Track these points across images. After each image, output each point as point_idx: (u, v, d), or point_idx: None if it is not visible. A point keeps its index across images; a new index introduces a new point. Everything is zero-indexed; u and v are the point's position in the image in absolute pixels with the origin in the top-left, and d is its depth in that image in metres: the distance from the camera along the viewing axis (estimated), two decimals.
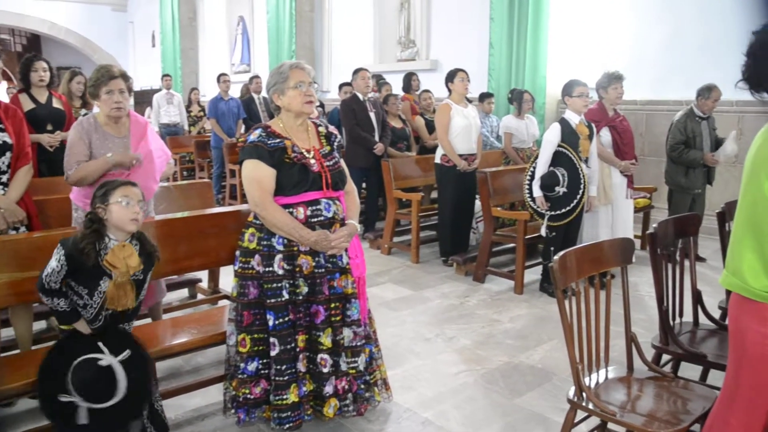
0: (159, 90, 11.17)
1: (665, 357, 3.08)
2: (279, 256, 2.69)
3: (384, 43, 10.83)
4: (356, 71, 6.50)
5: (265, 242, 2.72)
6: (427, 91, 7.53)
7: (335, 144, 2.92)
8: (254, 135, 2.74)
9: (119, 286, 2.41)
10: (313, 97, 2.84)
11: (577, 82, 4.79)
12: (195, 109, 11.30)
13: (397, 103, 7.02)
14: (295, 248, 2.70)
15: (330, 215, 2.76)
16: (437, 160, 5.69)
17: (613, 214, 5.21)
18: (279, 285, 2.68)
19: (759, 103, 2.27)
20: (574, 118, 4.76)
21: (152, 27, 16.92)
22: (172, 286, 4.72)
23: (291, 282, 2.70)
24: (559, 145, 4.68)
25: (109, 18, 17.99)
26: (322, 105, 8.79)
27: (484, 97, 7.44)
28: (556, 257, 2.25)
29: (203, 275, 4.86)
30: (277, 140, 2.73)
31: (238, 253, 2.82)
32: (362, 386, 2.87)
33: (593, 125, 4.91)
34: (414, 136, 7.29)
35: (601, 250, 2.45)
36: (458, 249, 5.77)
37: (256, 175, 2.69)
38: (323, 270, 2.73)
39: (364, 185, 6.80)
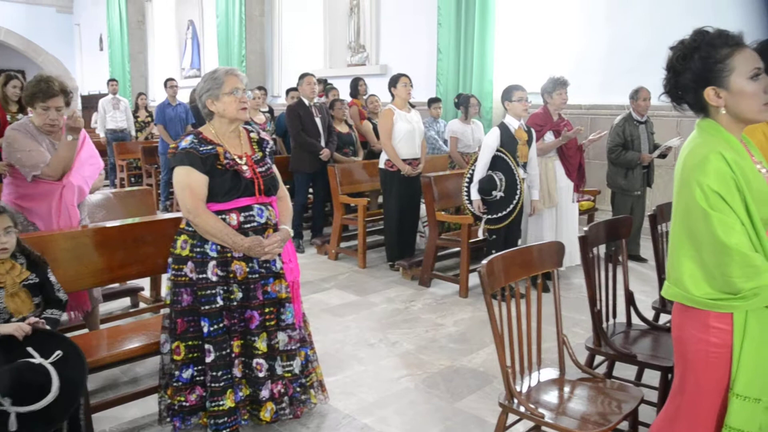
0: (106, 95, 10.94)
1: (602, 358, 3.13)
2: (212, 263, 2.67)
3: (334, 48, 10.84)
4: (302, 76, 6.48)
5: (198, 249, 2.69)
6: (373, 95, 7.55)
7: (267, 150, 2.91)
8: (186, 141, 2.71)
9: (12, 295, 2.49)
10: (246, 103, 2.83)
11: (516, 87, 4.86)
12: (142, 114, 11.11)
13: (344, 108, 7.02)
14: (229, 254, 2.68)
15: (263, 221, 2.75)
16: (381, 165, 5.71)
17: (557, 217, 5.28)
18: (213, 291, 2.66)
19: None
20: (513, 123, 4.82)
21: (99, 30, 16.57)
22: (113, 295, 4.63)
23: (225, 288, 2.69)
24: (497, 150, 4.74)
25: (54, 20, 17.53)
26: (271, 111, 8.73)
27: (432, 102, 7.49)
28: (483, 261, 2.27)
29: (145, 283, 4.77)
30: (209, 147, 2.70)
31: (170, 260, 2.79)
32: (298, 389, 2.88)
33: (533, 130, 4.98)
34: (362, 141, 7.29)
35: (530, 254, 2.48)
36: (405, 253, 5.79)
37: (188, 182, 2.66)
38: (257, 275, 2.72)
39: (311, 191, 6.77)
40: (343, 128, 7.00)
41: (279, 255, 2.82)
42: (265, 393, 2.72)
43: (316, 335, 4.30)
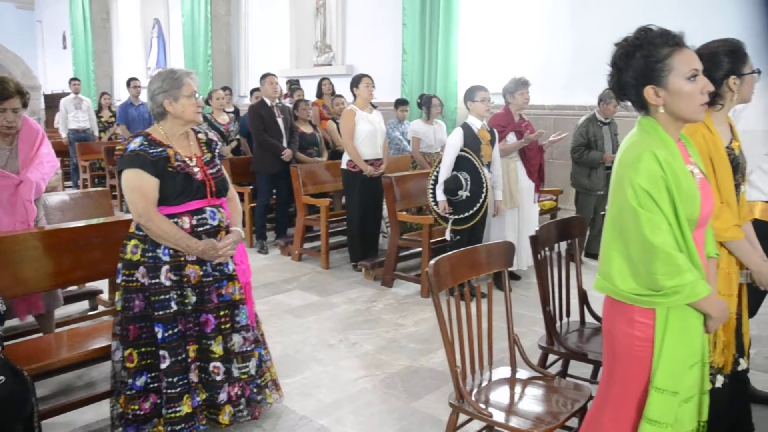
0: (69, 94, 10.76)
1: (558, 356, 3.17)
2: (165, 267, 2.64)
3: (300, 48, 10.80)
4: (264, 76, 6.45)
5: (150, 254, 2.66)
6: (339, 96, 7.54)
7: (216, 151, 2.89)
8: (134, 143, 2.67)
9: None
10: (201, 107, 2.81)
11: (479, 88, 4.90)
12: (106, 114, 10.96)
13: (308, 108, 7.00)
14: (182, 258, 2.66)
15: (215, 223, 2.73)
16: (344, 165, 5.71)
17: (519, 217, 5.33)
18: (167, 296, 2.63)
19: None
20: (476, 123, 4.86)
21: (63, 27, 16.27)
22: (72, 298, 4.56)
23: (179, 293, 2.67)
24: (461, 150, 4.77)
25: (14, 16, 17.13)
26: (236, 111, 8.67)
27: (399, 104, 7.51)
28: (431, 262, 2.29)
29: (104, 286, 4.71)
30: (160, 149, 2.67)
31: (120, 265, 2.74)
32: (254, 390, 2.88)
33: (495, 130, 5.01)
34: (326, 141, 7.28)
35: (478, 255, 2.51)
36: (367, 254, 5.80)
37: (139, 185, 2.63)
38: (211, 278, 2.71)
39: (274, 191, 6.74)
40: (307, 129, 6.98)
41: (231, 257, 2.81)
42: (223, 396, 2.71)
43: (277, 336, 4.32)
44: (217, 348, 2.70)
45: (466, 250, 2.51)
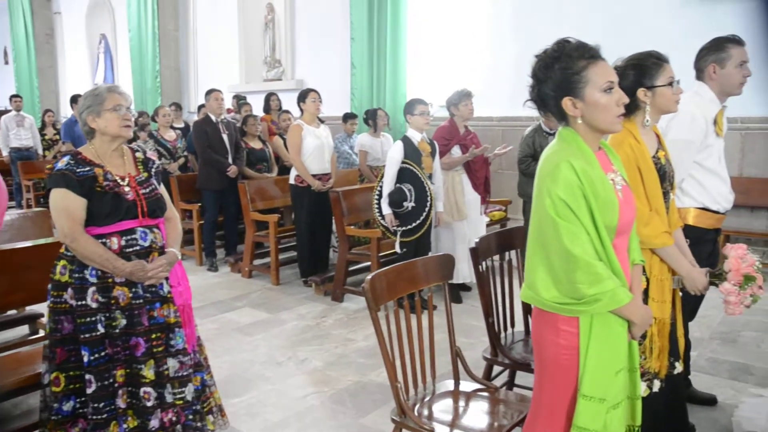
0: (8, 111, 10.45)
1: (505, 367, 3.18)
2: (92, 289, 2.56)
3: (250, 63, 10.74)
4: (208, 92, 6.38)
5: (77, 275, 2.57)
6: (286, 111, 7.51)
7: (153, 170, 2.82)
8: (62, 162, 2.60)
9: None
10: (130, 121, 2.73)
11: (418, 101, 4.94)
12: (50, 132, 10.67)
13: (257, 124, 6.94)
14: (110, 280, 2.58)
15: (147, 244, 2.66)
16: (291, 180, 5.68)
17: (467, 230, 5.35)
18: (93, 319, 2.54)
19: None
20: (416, 136, 4.88)
21: (3, 42, 15.84)
22: (10, 323, 4.40)
23: (107, 315, 2.57)
24: (403, 162, 4.78)
25: None
26: (187, 127, 8.56)
27: (347, 117, 7.51)
28: (367, 278, 2.28)
29: (45, 309, 4.54)
30: (87, 168, 2.60)
31: (49, 286, 2.65)
32: (191, 417, 2.76)
33: (436, 143, 5.04)
34: (275, 157, 7.23)
35: (415, 269, 2.50)
36: (318, 269, 5.76)
37: (65, 205, 2.55)
38: (141, 300, 2.62)
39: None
40: (256, 144, 6.92)
41: (166, 279, 2.73)
42: (154, 423, 2.61)
43: (225, 356, 4.25)
44: (148, 372, 2.60)
45: (403, 264, 2.50)
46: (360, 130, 7.73)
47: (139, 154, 2.83)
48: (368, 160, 6.75)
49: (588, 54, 1.81)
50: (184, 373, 2.75)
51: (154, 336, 2.64)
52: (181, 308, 2.79)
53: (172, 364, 2.70)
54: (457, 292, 5.29)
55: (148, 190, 2.72)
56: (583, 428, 1.82)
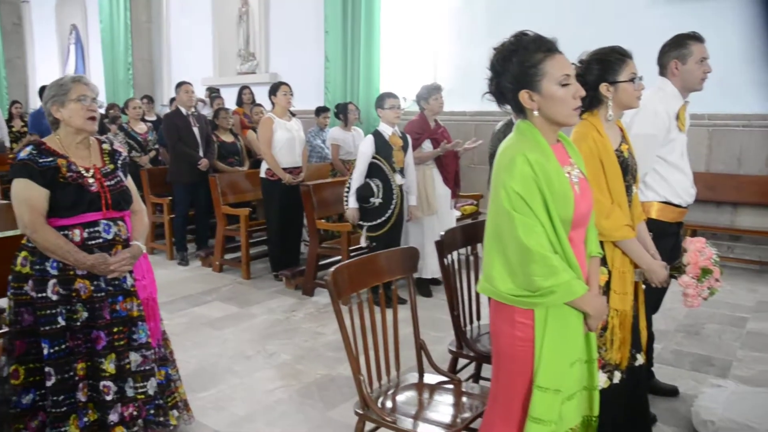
0: None
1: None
2: (53, 281, 2.52)
3: (224, 56, 10.66)
4: (179, 85, 6.33)
5: (37, 266, 2.54)
6: (258, 105, 7.46)
7: (119, 162, 2.79)
8: (25, 152, 2.56)
9: None
10: (95, 113, 2.70)
11: (388, 95, 4.94)
12: (17, 124, 10.49)
13: (228, 117, 6.89)
14: (71, 272, 2.54)
15: (110, 237, 2.62)
16: (262, 174, 5.65)
17: (437, 224, 5.36)
18: (54, 311, 2.51)
19: None
20: (387, 130, 4.88)
21: None
22: None
23: (68, 308, 2.54)
24: (373, 157, 4.78)
25: None
26: (160, 120, 8.46)
27: (320, 111, 7.49)
28: (330, 271, 2.28)
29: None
30: (50, 159, 2.56)
31: (10, 278, 2.62)
32: (152, 411, 2.74)
33: (408, 136, 5.05)
34: (247, 150, 7.18)
35: (378, 262, 2.51)
36: (289, 263, 5.75)
37: (26, 196, 2.51)
38: (104, 293, 2.59)
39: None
40: (228, 137, 6.87)
41: (130, 272, 2.71)
42: (113, 417, 2.58)
43: (194, 350, 4.22)
44: (109, 366, 2.57)
45: (366, 257, 2.50)
46: (333, 124, 7.71)
47: (105, 146, 2.80)
48: (340, 154, 6.75)
49: (545, 47, 1.83)
50: (147, 368, 2.73)
51: (116, 330, 2.61)
52: (145, 302, 2.77)
53: (134, 358, 2.67)
54: (427, 286, 5.31)
55: (113, 182, 2.69)
56: (539, 419, 1.84)
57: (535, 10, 7.10)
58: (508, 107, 1.95)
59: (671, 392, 3.50)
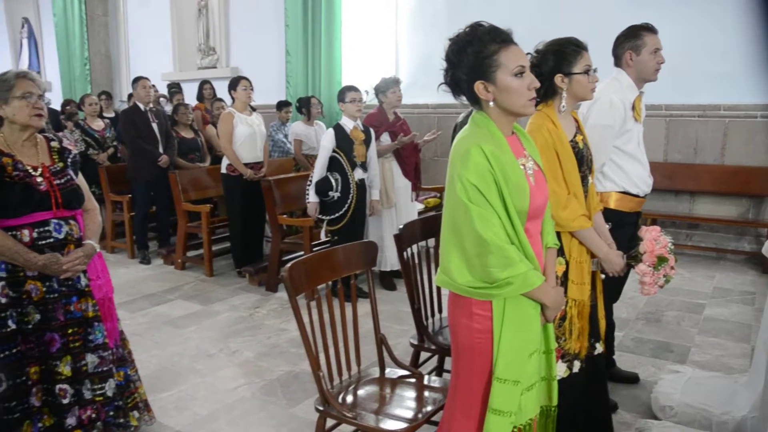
0: None
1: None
2: (1, 284, 2.44)
3: (184, 50, 10.48)
4: (136, 80, 6.20)
5: None
6: (219, 99, 7.36)
7: (69, 160, 2.71)
8: None
9: None
10: (42, 110, 2.61)
11: (349, 88, 4.91)
12: None
13: (188, 113, 6.78)
14: (21, 274, 2.46)
15: (61, 237, 2.55)
16: (223, 170, 5.57)
17: (397, 217, 5.36)
18: (4, 314, 2.43)
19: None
20: (348, 124, 4.85)
21: None
22: None
23: (18, 310, 2.46)
24: (333, 151, 4.76)
25: None
26: (118, 117, 8.29)
27: (281, 105, 7.42)
28: (286, 266, 2.25)
29: None
30: None
31: None
32: (112, 413, 2.69)
33: (371, 130, 5.03)
34: (208, 146, 7.08)
35: (335, 257, 2.48)
36: (252, 259, 5.69)
37: None
38: (57, 295, 2.52)
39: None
40: (188, 133, 6.77)
41: (84, 272, 2.64)
42: (71, 420, 2.52)
43: (155, 349, 4.15)
44: (64, 369, 2.51)
45: (323, 252, 2.48)
46: (295, 119, 7.65)
47: (54, 144, 2.71)
48: (303, 149, 6.70)
49: (500, 38, 1.82)
50: (104, 369, 2.67)
51: (70, 331, 2.55)
52: (101, 302, 2.70)
53: (90, 359, 2.61)
54: (390, 280, 5.31)
55: (63, 180, 2.61)
56: (498, 410, 1.84)
57: (495, 1, 7.13)
58: (464, 98, 1.93)
59: (632, 379, 3.56)
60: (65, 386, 2.52)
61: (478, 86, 1.83)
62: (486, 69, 1.81)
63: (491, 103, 1.85)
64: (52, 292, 2.51)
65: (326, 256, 2.46)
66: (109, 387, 2.68)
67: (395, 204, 5.28)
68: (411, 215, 5.37)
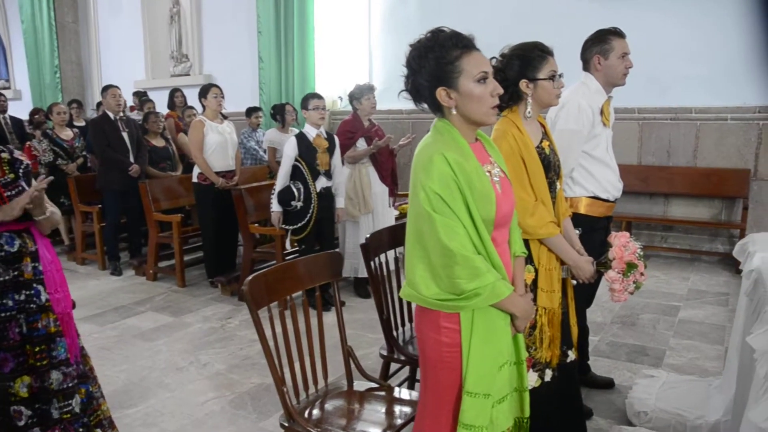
0: None
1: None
2: None
3: (156, 58, 10.36)
4: (105, 89, 6.09)
5: None
6: (190, 107, 7.26)
7: (21, 171, 2.62)
8: None
9: None
10: None
11: (312, 96, 4.86)
12: None
13: (158, 121, 6.67)
14: None
15: (14, 250, 2.46)
16: (194, 179, 5.49)
17: (374, 223, 5.31)
18: None
19: None
20: (311, 132, 4.79)
21: None
22: None
23: None
24: (295, 159, 4.71)
25: None
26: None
27: (251, 111, 7.34)
28: (247, 279, 2.19)
29: None
30: None
31: None
32: (81, 430, 2.60)
33: (335, 137, 4.98)
34: (180, 154, 6.98)
35: (296, 269, 2.42)
36: (225, 269, 5.61)
37: None
38: (10, 313, 2.42)
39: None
40: (159, 142, 6.67)
41: (44, 286, 2.55)
42: None
43: (123, 364, 4.06)
44: (20, 389, 2.40)
45: (283, 265, 2.42)
46: (269, 126, 7.58)
47: (5, 155, 2.62)
48: (278, 156, 6.62)
49: (462, 43, 1.77)
50: (70, 385, 2.58)
51: (37, 349, 2.45)
52: (61, 317, 2.60)
53: (55, 376, 2.52)
54: (365, 287, 5.25)
55: (14, 192, 2.52)
56: (469, 425, 1.78)
57: (468, 6, 7.13)
58: (425, 106, 1.88)
59: (607, 384, 3.53)
60: (20, 408, 2.42)
61: (440, 93, 1.79)
62: (448, 75, 1.76)
63: (453, 110, 1.80)
64: (5, 310, 2.42)
65: (288, 268, 2.40)
66: (76, 403, 2.59)
67: (373, 210, 5.23)
68: (388, 221, 5.33)
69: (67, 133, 6.95)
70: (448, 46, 1.77)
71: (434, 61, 1.78)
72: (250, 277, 2.19)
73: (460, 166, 1.73)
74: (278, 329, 2.35)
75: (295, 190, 4.66)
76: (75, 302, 2.77)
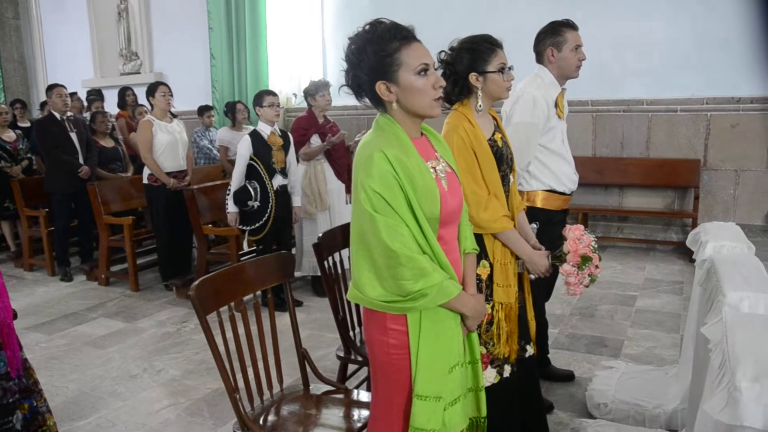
0: None
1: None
2: None
3: (104, 56, 10.06)
4: (50, 88, 5.87)
5: None
6: (141, 105, 7.07)
7: None
8: None
9: None
10: None
11: (266, 92, 4.78)
12: None
13: (106, 121, 6.48)
14: None
15: None
16: (145, 180, 5.35)
17: (331, 220, 5.25)
18: None
19: None
20: (265, 129, 4.70)
21: None
22: None
23: None
24: (250, 158, 4.61)
25: None
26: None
27: (203, 110, 7.20)
28: (194, 284, 2.11)
29: None
30: None
31: None
32: None
33: (289, 134, 4.90)
34: (131, 155, 6.79)
35: (246, 272, 2.35)
36: (180, 271, 5.48)
37: None
38: None
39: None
40: (107, 143, 6.48)
41: None
42: None
43: (73, 374, 3.92)
44: None
45: (232, 268, 2.34)
46: (222, 124, 7.43)
47: None
48: (230, 155, 6.50)
49: (400, 35, 1.71)
50: (10, 400, 2.46)
51: None
52: (0, 328, 2.48)
53: None
54: (323, 286, 5.17)
55: None
56: (421, 429, 1.73)
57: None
58: (367, 101, 1.82)
59: (567, 377, 3.54)
60: None
61: (380, 87, 1.72)
62: (387, 68, 1.70)
63: (395, 105, 1.74)
64: None
65: (236, 271, 2.32)
66: (17, 419, 2.48)
67: (329, 207, 5.16)
68: (346, 217, 5.25)
69: (9, 135, 6.69)
70: (386, 39, 1.71)
71: (373, 54, 1.71)
72: (197, 282, 2.12)
73: (401, 162, 1.67)
74: (231, 334, 2.27)
75: (251, 189, 4.56)
76: (16, 312, 2.64)
